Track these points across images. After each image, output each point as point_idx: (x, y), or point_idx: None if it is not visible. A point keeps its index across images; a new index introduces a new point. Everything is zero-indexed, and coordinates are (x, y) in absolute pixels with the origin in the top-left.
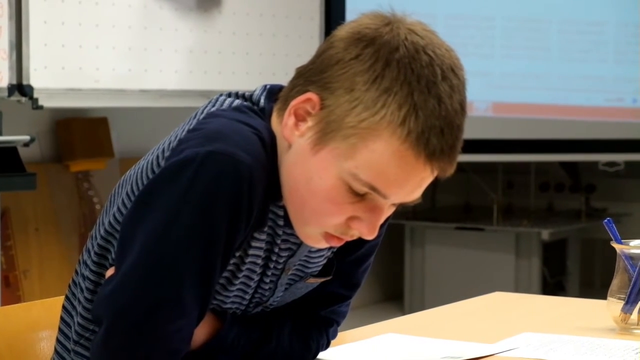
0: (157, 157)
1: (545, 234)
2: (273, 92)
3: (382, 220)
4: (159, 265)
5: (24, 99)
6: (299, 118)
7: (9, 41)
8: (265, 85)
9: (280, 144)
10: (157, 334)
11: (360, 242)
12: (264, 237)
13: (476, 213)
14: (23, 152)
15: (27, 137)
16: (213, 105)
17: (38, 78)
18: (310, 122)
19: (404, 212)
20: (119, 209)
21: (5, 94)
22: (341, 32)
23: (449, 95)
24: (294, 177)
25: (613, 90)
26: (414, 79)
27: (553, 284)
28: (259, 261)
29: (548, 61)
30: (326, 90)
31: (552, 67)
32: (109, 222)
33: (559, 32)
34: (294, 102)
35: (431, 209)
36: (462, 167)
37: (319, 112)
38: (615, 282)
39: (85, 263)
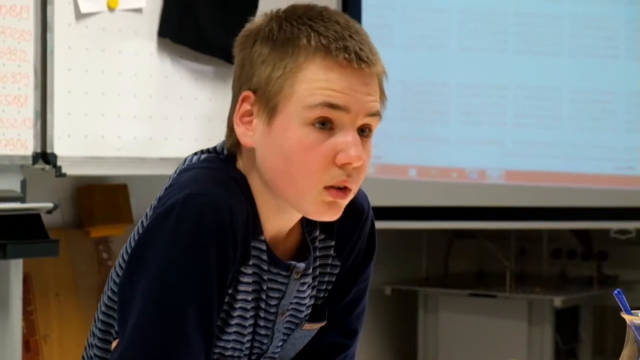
0: (142, 222)
1: (558, 301)
2: None
3: (361, 145)
4: (162, 312)
5: (47, 167)
6: (246, 123)
7: (34, 110)
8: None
9: (251, 178)
10: None
11: (348, 286)
12: (250, 271)
13: (489, 280)
14: (45, 217)
15: (50, 205)
16: (183, 164)
17: (62, 146)
18: (255, 114)
19: (417, 278)
20: (114, 281)
21: (30, 162)
22: (235, 44)
23: (342, 17)
24: (272, 163)
25: (623, 159)
26: (305, 19)
27: (566, 351)
28: (249, 298)
29: (560, 130)
30: (249, 81)
31: (564, 136)
32: (107, 297)
33: (571, 101)
34: (235, 114)
35: (444, 275)
36: (474, 233)
37: (255, 99)
38: (626, 353)
39: (93, 333)
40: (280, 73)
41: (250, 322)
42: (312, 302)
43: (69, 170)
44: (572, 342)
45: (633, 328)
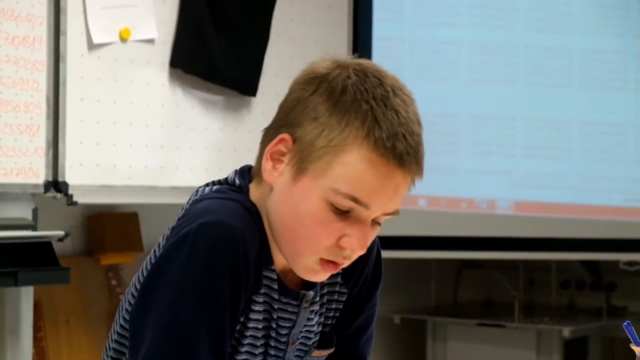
0: (154, 251)
1: (566, 332)
2: (244, 171)
3: (369, 236)
4: (173, 341)
5: (59, 195)
6: (275, 160)
7: (46, 139)
8: (236, 169)
9: (263, 210)
10: None
11: (355, 313)
12: (261, 300)
13: (497, 309)
14: (56, 245)
15: (61, 233)
16: (196, 195)
17: (73, 175)
18: (286, 160)
19: (426, 307)
20: (126, 310)
21: (42, 190)
22: (296, 79)
23: (404, 107)
24: (282, 214)
25: (633, 191)
26: (369, 97)
27: None
28: (260, 326)
29: (569, 161)
30: (294, 127)
31: (573, 167)
32: (120, 326)
33: (580, 133)
34: (268, 147)
35: (453, 304)
36: (483, 263)
37: (292, 148)
38: None
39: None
40: (324, 144)
41: (261, 350)
42: (320, 329)
43: (80, 198)
44: None
45: None
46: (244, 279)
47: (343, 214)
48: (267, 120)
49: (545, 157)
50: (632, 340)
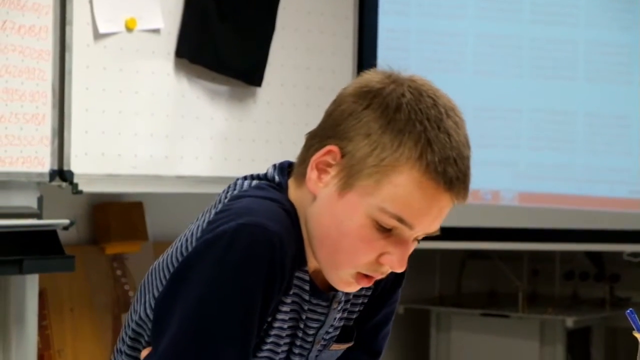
0: (187, 240)
1: (570, 322)
2: (283, 168)
3: (409, 253)
4: (199, 337)
5: (64, 184)
6: (321, 171)
7: (52, 128)
8: (275, 164)
9: (301, 210)
10: None
11: (377, 308)
12: (289, 300)
13: (501, 300)
14: (61, 234)
15: (66, 221)
16: (234, 189)
17: (78, 164)
18: (333, 172)
19: (430, 298)
20: (151, 296)
21: (47, 179)
22: (347, 90)
23: (455, 130)
24: (323, 225)
25: (637, 183)
26: (423, 118)
27: None
28: (285, 326)
29: (573, 153)
30: (344, 140)
31: (578, 159)
32: (143, 310)
33: (585, 125)
34: (314, 157)
35: (457, 295)
36: (488, 254)
37: (340, 161)
38: None
39: (120, 350)
40: (375, 163)
41: (284, 348)
42: (342, 323)
43: (85, 187)
44: None
45: None
46: (277, 284)
47: (386, 231)
48: (272, 111)
49: (549, 149)
50: (635, 328)
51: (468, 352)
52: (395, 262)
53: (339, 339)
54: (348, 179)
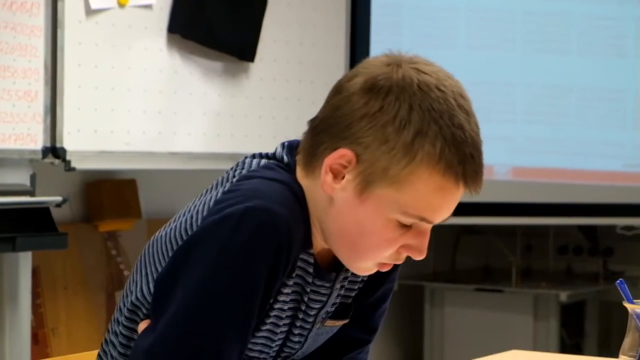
0: (192, 217)
1: (564, 296)
2: (292, 147)
3: (428, 241)
4: (200, 317)
5: (57, 161)
6: (336, 173)
7: (44, 105)
8: (284, 143)
9: (309, 195)
10: None
11: (376, 285)
12: (291, 282)
13: (495, 275)
14: (54, 212)
15: (59, 198)
16: (242, 168)
17: (71, 141)
18: (349, 176)
19: (424, 274)
20: (153, 270)
21: (40, 156)
22: (354, 85)
23: (467, 120)
24: (343, 224)
25: (631, 156)
26: (437, 116)
27: (571, 346)
28: (286, 307)
29: (567, 127)
30: (359, 145)
31: (571, 133)
32: (145, 284)
33: (579, 99)
34: (328, 160)
35: (451, 271)
36: (481, 229)
37: (356, 166)
38: (627, 341)
39: (117, 320)
40: (395, 173)
41: (284, 329)
42: (339, 300)
43: (78, 164)
44: (577, 336)
45: (635, 316)
46: (282, 269)
47: (407, 227)
48: (265, 86)
49: (543, 123)
50: (624, 297)
51: (462, 327)
52: (416, 253)
53: (335, 316)
54: (367, 185)
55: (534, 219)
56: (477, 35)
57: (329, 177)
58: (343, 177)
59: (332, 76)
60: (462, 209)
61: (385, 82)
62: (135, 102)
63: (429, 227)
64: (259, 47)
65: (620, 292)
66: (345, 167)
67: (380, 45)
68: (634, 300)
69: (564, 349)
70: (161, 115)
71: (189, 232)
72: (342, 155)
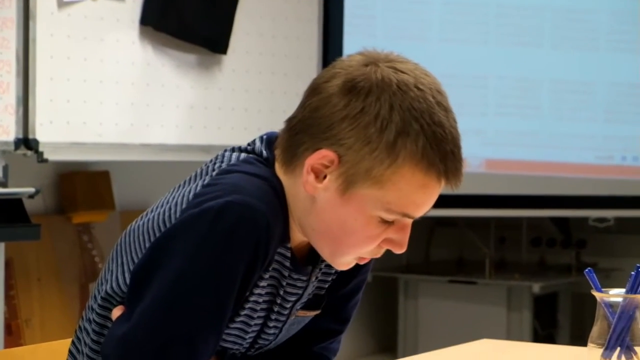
0: (170, 209)
1: (537, 288)
2: (271, 141)
3: (409, 234)
4: (175, 308)
5: (29, 153)
6: (317, 173)
7: (16, 96)
8: (262, 136)
9: (289, 191)
10: None
11: (349, 277)
12: (267, 276)
13: (469, 267)
14: (27, 203)
15: (32, 190)
16: (222, 162)
17: (43, 132)
18: (331, 176)
19: (398, 266)
20: (129, 260)
21: (12, 147)
22: (333, 86)
23: (446, 117)
24: (325, 222)
25: (603, 148)
26: (417, 115)
27: (544, 337)
28: (261, 300)
29: (540, 119)
30: (342, 146)
31: (544, 125)
32: (117, 275)
33: (551, 92)
34: (309, 161)
35: (425, 263)
36: (455, 221)
37: (338, 167)
38: (596, 329)
39: (91, 308)
40: (378, 173)
41: (258, 321)
42: (313, 290)
43: (50, 155)
44: (550, 327)
45: (603, 305)
46: (259, 264)
47: (389, 223)
48: (238, 78)
49: (516, 116)
50: (593, 286)
51: (436, 318)
52: (397, 247)
53: (308, 306)
54: (349, 185)
55: (507, 211)
56: (450, 28)
57: (311, 177)
58: (325, 177)
59: (305, 68)
60: (436, 201)
61: (365, 83)
62: (107, 94)
63: (410, 221)
64: (231, 39)
65: (589, 281)
66: (327, 167)
67: (353, 37)
68: (603, 289)
69: (536, 340)
70: (134, 107)
71: (167, 224)
72: (324, 156)
